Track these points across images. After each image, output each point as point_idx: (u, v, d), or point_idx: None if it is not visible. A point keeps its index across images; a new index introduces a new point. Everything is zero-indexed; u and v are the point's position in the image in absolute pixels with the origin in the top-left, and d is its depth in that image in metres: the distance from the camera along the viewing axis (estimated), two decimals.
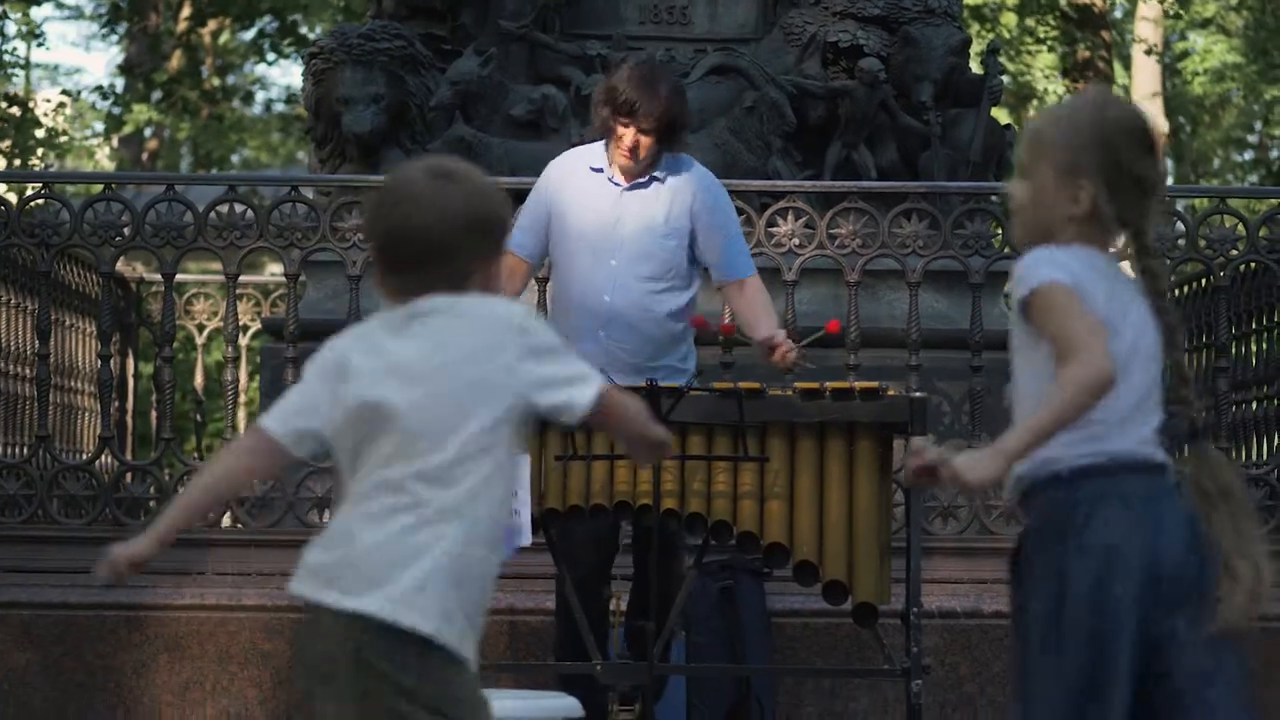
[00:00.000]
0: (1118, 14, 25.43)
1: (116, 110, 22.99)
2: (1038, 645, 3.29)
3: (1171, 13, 23.15)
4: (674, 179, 6.18)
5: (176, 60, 23.57)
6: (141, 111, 22.26)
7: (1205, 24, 26.47)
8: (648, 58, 6.12)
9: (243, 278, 8.46)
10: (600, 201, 6.18)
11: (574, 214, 6.19)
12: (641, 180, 6.16)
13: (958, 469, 3.20)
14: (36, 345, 7.54)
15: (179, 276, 8.07)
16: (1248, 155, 30.77)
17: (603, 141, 6.24)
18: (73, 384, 9.41)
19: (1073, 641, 3.25)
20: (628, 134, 6.06)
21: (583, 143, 6.85)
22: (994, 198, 7.98)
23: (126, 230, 7.44)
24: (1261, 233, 7.56)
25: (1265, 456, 7.87)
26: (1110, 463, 3.31)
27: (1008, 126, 9.63)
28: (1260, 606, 3.27)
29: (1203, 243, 7.55)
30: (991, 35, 19.31)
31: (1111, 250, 3.39)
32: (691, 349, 6.31)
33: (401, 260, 3.31)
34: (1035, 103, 23.51)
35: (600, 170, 6.20)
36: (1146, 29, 23.45)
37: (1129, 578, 3.24)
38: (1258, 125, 29.00)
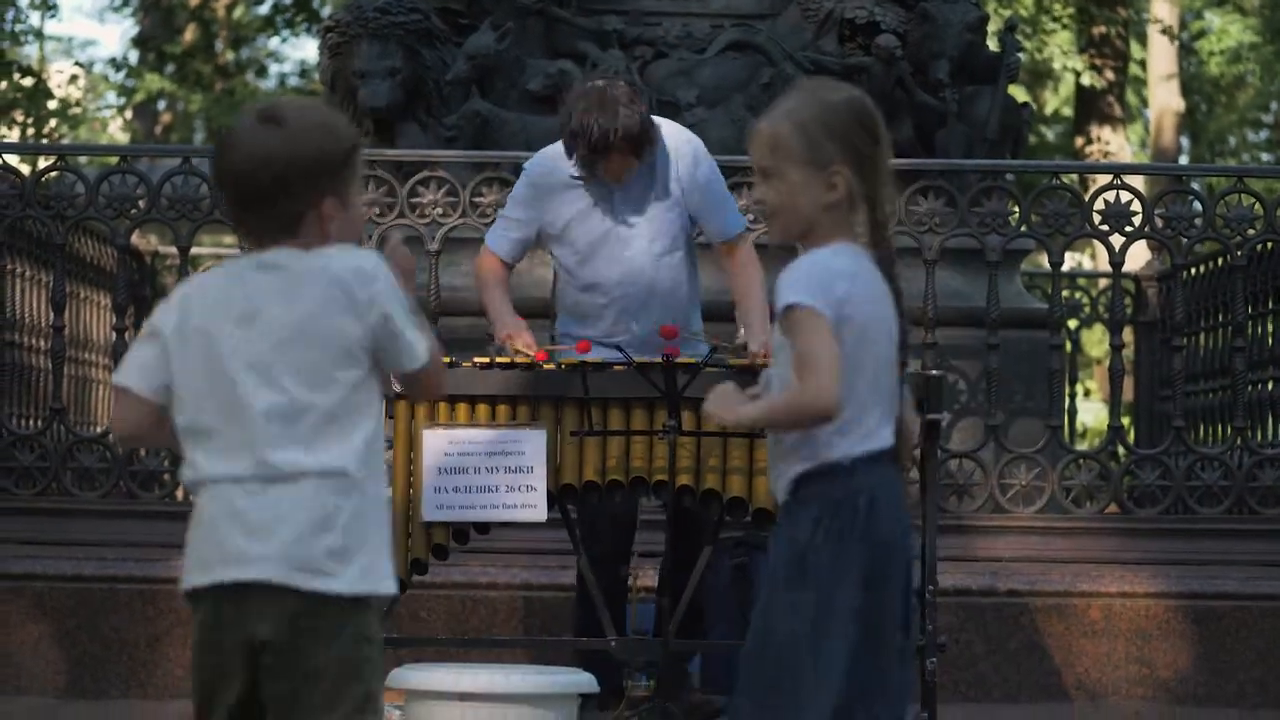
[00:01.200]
0: None
1: (130, 83, 23.00)
2: (810, 629, 3.45)
3: None
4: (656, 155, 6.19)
5: (190, 34, 23.57)
6: (153, 81, 22.25)
7: (1222, 2, 26.39)
8: (588, 84, 6.12)
9: None
10: (597, 198, 6.18)
11: (574, 216, 6.20)
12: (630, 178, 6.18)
13: (711, 398, 3.55)
14: (51, 318, 7.54)
15: (194, 250, 8.06)
16: (1263, 135, 30.70)
17: (561, 144, 6.21)
18: (87, 357, 9.42)
19: (850, 626, 3.46)
20: (612, 163, 6.06)
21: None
22: (1010, 175, 7.96)
23: (142, 203, 7.43)
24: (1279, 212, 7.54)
25: None
26: (879, 454, 3.53)
27: (1025, 104, 9.61)
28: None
29: (1220, 222, 7.53)
30: (1009, 13, 19.24)
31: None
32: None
33: (234, 206, 3.39)
34: (1051, 81, 23.47)
35: (581, 178, 6.18)
36: (1162, 8, 23.38)
37: (888, 570, 3.50)
38: (1274, 105, 28.92)
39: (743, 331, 6.18)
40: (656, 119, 6.26)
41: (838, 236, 3.52)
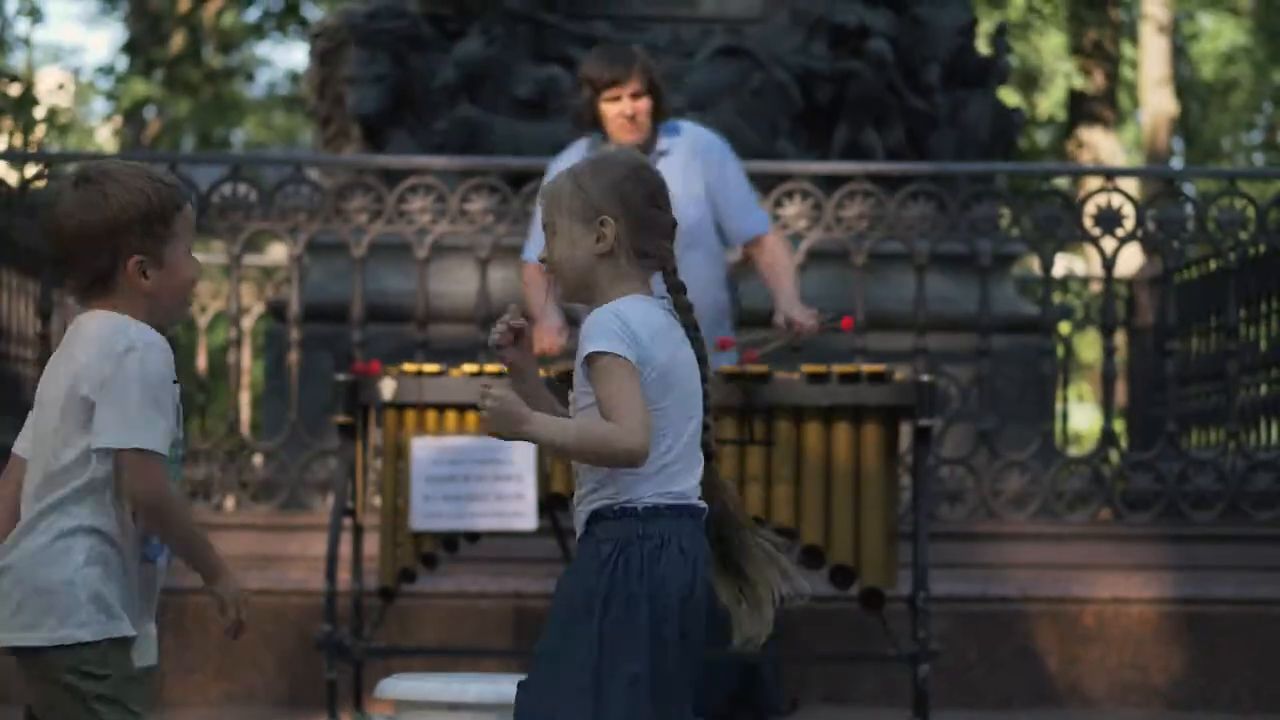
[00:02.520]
0: None
1: (118, 90, 22.97)
2: (588, 654, 3.57)
3: None
4: (676, 149, 6.16)
5: (179, 40, 23.54)
6: (140, 87, 22.21)
7: (1214, 3, 26.41)
8: (605, 43, 6.18)
9: (246, 259, 8.42)
10: None
11: None
12: (649, 157, 6.13)
13: (490, 406, 3.44)
14: (38, 326, 7.50)
15: None
16: (1257, 137, 30.73)
17: (586, 141, 6.21)
18: None
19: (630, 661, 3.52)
20: (621, 104, 6.04)
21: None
22: (1001, 179, 7.93)
23: None
24: (1272, 215, 7.51)
25: (1275, 440, 7.84)
26: (675, 504, 3.54)
27: (1015, 109, 9.59)
28: (766, 626, 3.62)
29: (1212, 225, 7.51)
30: (1001, 17, 19.25)
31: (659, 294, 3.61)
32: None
33: (53, 263, 3.56)
34: (1043, 84, 23.47)
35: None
36: (1155, 10, 23.38)
37: (671, 619, 3.52)
38: (1267, 106, 28.95)
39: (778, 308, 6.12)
40: (681, 121, 6.29)
41: (622, 288, 3.58)
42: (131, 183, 3.42)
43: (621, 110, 6.06)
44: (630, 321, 3.50)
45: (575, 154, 6.36)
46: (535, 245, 6.37)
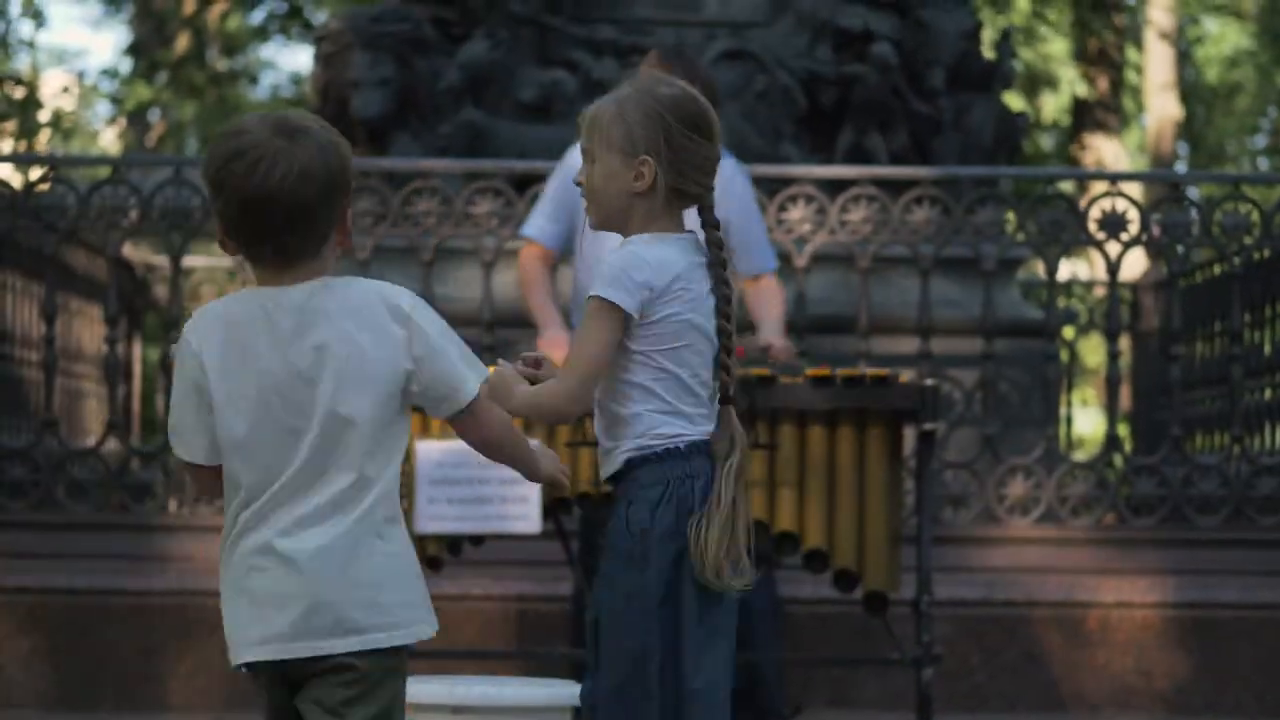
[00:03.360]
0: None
1: (119, 90, 22.97)
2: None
3: None
4: None
5: (183, 42, 23.55)
6: (144, 90, 22.21)
7: (1219, 8, 26.40)
8: (673, 47, 6.12)
9: None
10: None
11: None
12: None
13: (490, 380, 3.39)
14: (43, 329, 7.50)
15: (185, 261, 8.03)
16: (1261, 141, 30.72)
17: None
18: (79, 369, 9.38)
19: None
20: None
21: None
22: (1006, 184, 7.93)
23: (133, 214, 7.40)
24: (1276, 220, 7.50)
25: (1279, 445, 7.83)
26: (698, 443, 3.58)
27: (1020, 113, 9.59)
28: (711, 568, 3.51)
29: (1217, 229, 7.50)
30: (1005, 21, 19.24)
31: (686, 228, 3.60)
32: None
33: (267, 228, 3.14)
34: (1049, 88, 23.45)
35: None
36: (1160, 14, 23.38)
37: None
38: (1271, 110, 28.94)
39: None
40: None
41: (654, 226, 3.56)
42: (335, 135, 3.23)
43: None
44: (644, 268, 3.49)
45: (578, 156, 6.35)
46: (538, 219, 6.31)
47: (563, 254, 6.38)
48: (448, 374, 3.18)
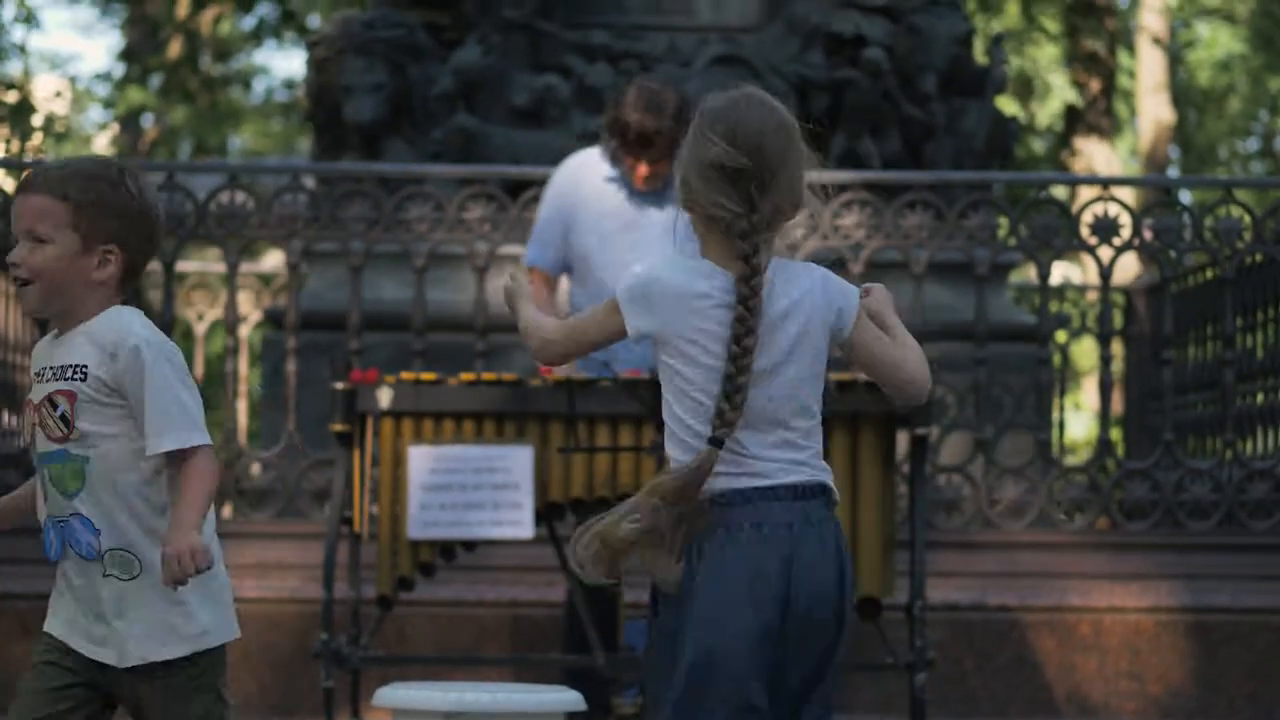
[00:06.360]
0: (1123, 3, 25.39)
1: (112, 94, 22.95)
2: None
3: (1176, 1, 23.11)
4: None
5: (176, 47, 23.54)
6: (135, 94, 22.19)
7: (1211, 12, 26.43)
8: (648, 79, 6.16)
9: (243, 267, 8.42)
10: (622, 210, 6.17)
11: (596, 225, 6.19)
12: (666, 193, 6.14)
13: (506, 285, 3.70)
14: (36, 335, 7.50)
15: (179, 265, 8.02)
16: (1253, 145, 30.74)
17: (597, 150, 6.23)
18: None
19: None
20: (641, 165, 6.07)
21: (584, 135, 6.83)
22: (998, 188, 7.94)
23: None
24: (1268, 224, 7.51)
25: (1271, 449, 7.84)
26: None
27: (1012, 118, 9.60)
28: (579, 560, 3.50)
29: (1209, 234, 7.51)
30: (997, 26, 19.26)
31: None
32: None
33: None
34: (1039, 94, 23.48)
35: (614, 179, 6.18)
36: (1152, 19, 23.40)
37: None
38: (1263, 114, 28.97)
39: None
40: None
41: (705, 251, 3.73)
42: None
43: (639, 168, 6.12)
44: (657, 287, 3.58)
45: (579, 161, 6.36)
46: (537, 248, 6.35)
47: (559, 275, 6.43)
48: None
